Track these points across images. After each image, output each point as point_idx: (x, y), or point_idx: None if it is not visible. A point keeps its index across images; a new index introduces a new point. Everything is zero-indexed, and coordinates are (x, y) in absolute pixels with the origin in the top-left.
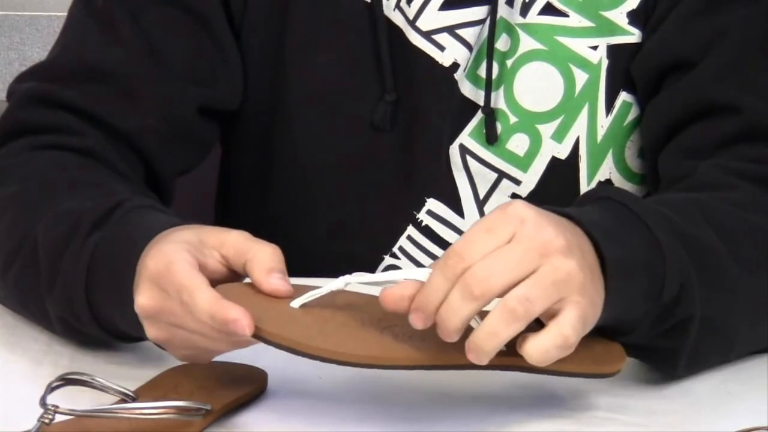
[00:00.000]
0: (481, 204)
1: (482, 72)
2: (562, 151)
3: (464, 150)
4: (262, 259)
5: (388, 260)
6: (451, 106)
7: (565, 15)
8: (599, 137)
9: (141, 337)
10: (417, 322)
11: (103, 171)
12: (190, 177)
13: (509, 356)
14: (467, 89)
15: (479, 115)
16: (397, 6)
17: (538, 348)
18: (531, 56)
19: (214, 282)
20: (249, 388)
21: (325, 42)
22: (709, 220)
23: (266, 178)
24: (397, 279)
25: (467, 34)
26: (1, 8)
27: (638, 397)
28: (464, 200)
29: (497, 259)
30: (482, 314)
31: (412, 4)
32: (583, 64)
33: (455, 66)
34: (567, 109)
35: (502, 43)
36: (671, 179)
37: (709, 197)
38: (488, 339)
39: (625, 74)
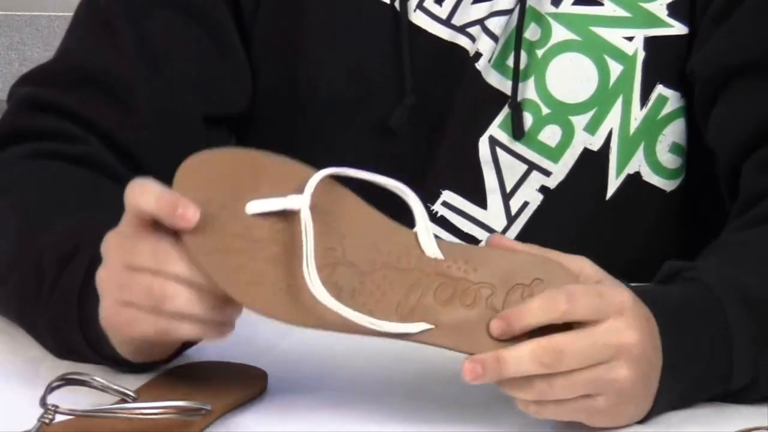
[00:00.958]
0: (507, 197)
1: (511, 62)
2: (595, 143)
3: (494, 142)
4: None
5: None
6: (476, 98)
7: (599, 4)
8: (632, 129)
9: (116, 357)
10: (495, 329)
11: (104, 180)
12: None
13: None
14: (494, 80)
15: (508, 107)
16: (420, 6)
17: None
18: (564, 47)
19: None
20: (249, 388)
21: (343, 43)
22: None
23: None
24: (376, 180)
25: (492, 23)
26: (1, 8)
27: None
28: (489, 192)
29: (579, 343)
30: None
31: (444, 4)
32: (618, 55)
33: (477, 55)
34: (601, 100)
35: (531, 33)
36: (752, 195)
37: None
38: (511, 362)
39: (664, 67)
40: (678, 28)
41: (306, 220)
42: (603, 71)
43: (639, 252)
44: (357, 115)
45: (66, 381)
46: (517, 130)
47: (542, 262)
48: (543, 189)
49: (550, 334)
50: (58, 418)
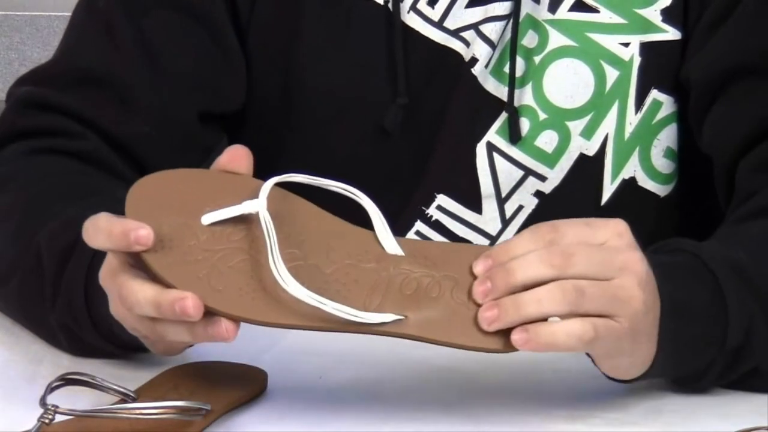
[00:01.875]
0: (502, 201)
1: (507, 69)
2: (591, 148)
3: (491, 147)
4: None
5: None
6: (473, 103)
7: (595, 11)
8: (627, 134)
9: (131, 342)
10: (479, 265)
11: (102, 175)
12: None
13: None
14: (491, 86)
15: (505, 113)
16: (413, 8)
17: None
18: (561, 53)
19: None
20: (249, 388)
21: (337, 44)
22: None
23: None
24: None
25: (488, 29)
26: (1, 8)
27: (638, 397)
28: (485, 197)
29: (585, 248)
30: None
31: (436, 6)
32: (615, 60)
33: (473, 61)
34: (597, 105)
35: (528, 40)
36: (746, 193)
37: None
38: (530, 302)
39: (658, 72)
40: (672, 34)
41: (266, 218)
42: (599, 77)
43: None
44: (351, 116)
45: (66, 381)
46: (513, 135)
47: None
48: (538, 194)
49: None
50: (58, 418)
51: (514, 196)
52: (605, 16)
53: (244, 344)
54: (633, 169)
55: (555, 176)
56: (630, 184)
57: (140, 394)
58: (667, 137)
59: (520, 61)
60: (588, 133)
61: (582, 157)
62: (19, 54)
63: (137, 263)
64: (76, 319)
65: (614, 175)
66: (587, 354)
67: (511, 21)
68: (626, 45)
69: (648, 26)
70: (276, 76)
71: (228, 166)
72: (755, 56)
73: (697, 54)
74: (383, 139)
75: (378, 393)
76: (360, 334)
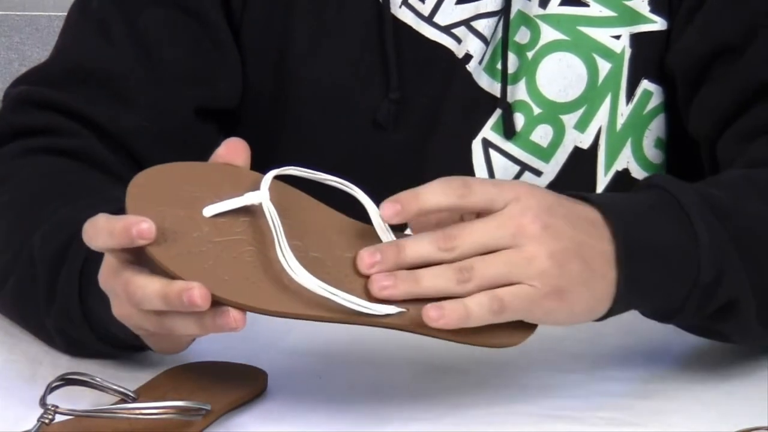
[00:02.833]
0: None
1: (501, 65)
2: (585, 141)
3: (487, 144)
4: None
5: None
6: (468, 100)
7: (585, 5)
8: (619, 125)
9: (130, 341)
10: (386, 209)
11: (96, 174)
12: None
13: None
14: (485, 83)
15: (499, 109)
16: (405, 3)
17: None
18: (553, 47)
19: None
20: (249, 388)
21: (330, 39)
22: (762, 193)
23: None
24: (328, 178)
25: (481, 25)
26: (1, 8)
27: (638, 397)
28: None
29: (472, 226)
30: None
31: (427, 1)
32: (607, 53)
33: (467, 57)
34: (590, 98)
35: (520, 36)
36: (730, 163)
37: (763, 171)
38: (426, 277)
39: (647, 62)
40: (660, 24)
41: (270, 209)
42: (592, 69)
43: None
44: (344, 111)
45: (66, 381)
46: (508, 130)
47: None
48: None
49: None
50: (58, 418)
51: None
52: (595, 9)
53: (244, 344)
54: (626, 160)
55: (550, 170)
56: (624, 175)
57: (140, 394)
58: (657, 127)
59: (513, 57)
60: (581, 126)
61: (576, 151)
62: (19, 54)
63: (138, 260)
64: (73, 323)
65: (608, 167)
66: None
67: (502, 17)
68: (617, 37)
69: (637, 17)
70: (269, 71)
71: (226, 158)
72: (729, 36)
73: (677, 42)
74: (377, 134)
75: (378, 393)
76: (360, 334)
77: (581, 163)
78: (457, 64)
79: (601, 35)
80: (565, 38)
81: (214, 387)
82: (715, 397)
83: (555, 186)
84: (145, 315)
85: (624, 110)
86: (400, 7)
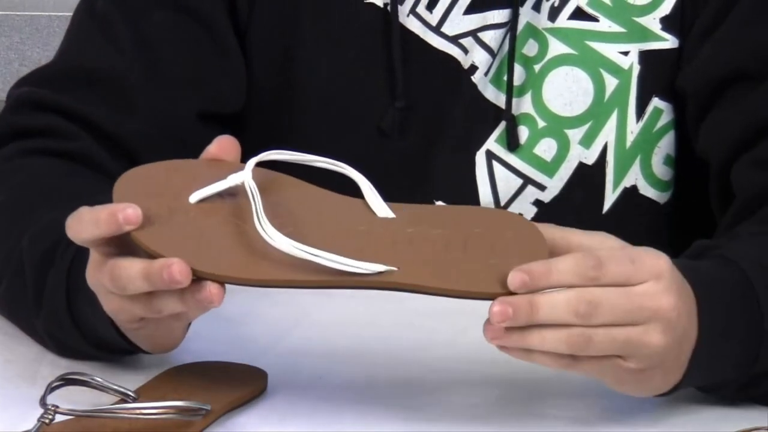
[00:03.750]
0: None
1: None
2: (590, 157)
3: (491, 156)
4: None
5: None
6: (473, 112)
7: (595, 20)
8: (628, 143)
9: (119, 344)
10: (515, 279)
11: (92, 177)
12: None
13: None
14: (491, 94)
15: (504, 121)
16: (413, 12)
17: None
18: (561, 60)
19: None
20: (249, 388)
21: (336, 46)
22: None
23: None
24: (312, 160)
25: (488, 37)
26: (1, 8)
27: (639, 397)
28: (483, 206)
29: (614, 297)
30: None
31: (434, 11)
32: (614, 69)
33: (473, 68)
34: (596, 114)
35: (528, 49)
36: (749, 197)
37: None
38: (534, 335)
39: (658, 80)
40: (672, 42)
41: (250, 184)
42: (599, 85)
43: None
44: (349, 118)
45: (66, 381)
46: (511, 142)
47: (498, 212)
48: (537, 203)
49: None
50: (58, 418)
51: (513, 205)
52: (604, 24)
53: (244, 344)
54: (635, 177)
55: (554, 185)
56: (632, 192)
57: (140, 394)
58: (666, 144)
59: (519, 70)
60: (587, 141)
61: (581, 166)
62: (18, 54)
63: (123, 251)
64: (62, 327)
65: (616, 184)
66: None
67: (509, 29)
68: (625, 54)
69: (647, 35)
70: (275, 76)
71: (216, 156)
72: (747, 61)
73: (691, 62)
74: (381, 142)
75: (378, 393)
76: (360, 334)
77: (587, 178)
78: (462, 75)
79: (609, 51)
80: (573, 52)
81: (214, 387)
82: (715, 397)
83: (561, 200)
84: (132, 301)
85: (634, 128)
86: (408, 15)
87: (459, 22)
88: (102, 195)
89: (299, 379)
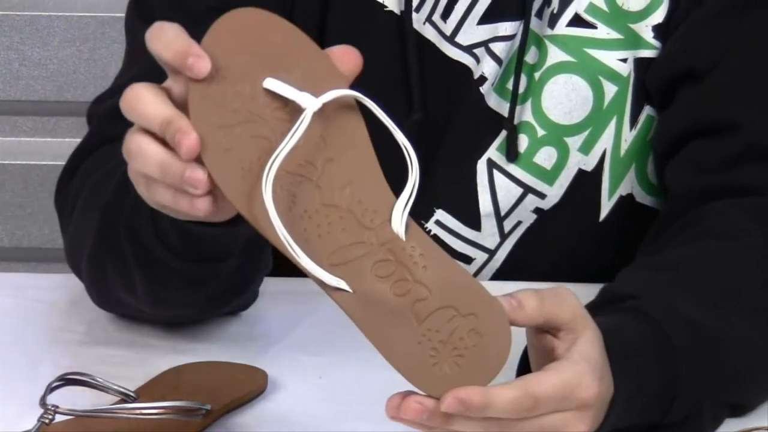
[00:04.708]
0: (501, 219)
1: (510, 85)
2: (589, 163)
3: (491, 164)
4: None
5: None
6: (476, 120)
7: (593, 27)
8: (623, 151)
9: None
10: (451, 406)
11: None
12: None
13: None
14: (494, 102)
15: (505, 130)
16: (429, 20)
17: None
18: (560, 68)
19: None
20: (249, 388)
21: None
22: (736, 308)
23: None
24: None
25: (498, 48)
26: (1, 8)
27: None
28: (484, 216)
29: (555, 391)
30: None
31: (448, 20)
32: (613, 76)
33: (482, 79)
34: (595, 121)
35: (530, 56)
36: (677, 195)
37: (732, 264)
38: (497, 405)
39: (647, 88)
40: (661, 50)
41: (305, 119)
42: (598, 92)
43: None
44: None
45: (66, 381)
46: (510, 152)
47: (488, 300)
48: (537, 210)
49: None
50: (58, 418)
51: (514, 214)
52: (603, 32)
53: (244, 344)
54: (630, 185)
55: (554, 193)
56: (628, 200)
57: (140, 394)
58: None
59: (522, 78)
60: (586, 148)
61: (580, 173)
62: (19, 54)
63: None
64: (139, 213)
65: (611, 192)
66: None
67: (518, 38)
68: (624, 61)
69: (640, 42)
70: None
71: (334, 58)
72: (697, 62)
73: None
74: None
75: (378, 393)
76: (359, 334)
77: (585, 186)
78: (472, 84)
79: (608, 58)
80: (572, 60)
81: (214, 387)
82: None
83: (560, 207)
84: (144, 180)
85: (628, 136)
86: (424, 23)
87: (473, 32)
88: None
89: (299, 379)
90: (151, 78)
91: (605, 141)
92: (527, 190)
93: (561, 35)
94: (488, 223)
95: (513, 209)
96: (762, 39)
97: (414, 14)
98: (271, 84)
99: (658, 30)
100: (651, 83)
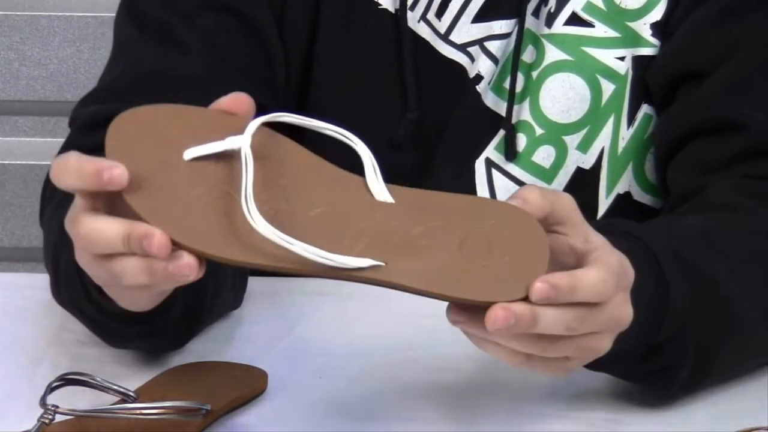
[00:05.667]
0: None
1: (507, 84)
2: (587, 162)
3: (490, 164)
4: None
5: None
6: (474, 119)
7: (590, 25)
8: (620, 149)
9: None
10: (539, 290)
11: None
12: None
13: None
14: (491, 101)
15: (503, 129)
16: (423, 18)
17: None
18: (557, 67)
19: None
20: (249, 388)
21: (351, 54)
22: (722, 254)
23: None
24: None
25: (494, 46)
26: (1, 8)
27: (638, 398)
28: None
29: (599, 311)
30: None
31: (443, 18)
32: (611, 74)
33: (478, 78)
34: (593, 119)
35: (527, 55)
36: (681, 194)
37: (719, 224)
38: (545, 321)
39: (646, 86)
40: (659, 48)
41: (246, 153)
42: (596, 91)
43: None
44: (360, 125)
45: (66, 381)
46: (509, 151)
47: (500, 205)
48: None
49: (578, 304)
50: (58, 418)
51: None
52: (600, 30)
53: (244, 344)
54: (627, 183)
55: None
56: (625, 198)
57: (140, 394)
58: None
59: (519, 76)
60: (584, 146)
61: (579, 171)
62: (18, 54)
63: (105, 207)
64: (71, 284)
65: (609, 190)
66: None
67: (514, 37)
68: (621, 59)
69: (638, 40)
70: (293, 83)
71: (228, 110)
72: (699, 62)
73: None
74: (390, 151)
75: (378, 393)
76: (360, 334)
77: (583, 184)
78: (468, 83)
79: (606, 56)
80: (569, 58)
81: (214, 387)
82: (715, 397)
83: None
84: (95, 260)
85: (625, 134)
86: (419, 21)
87: (467, 31)
88: None
89: (299, 379)
90: (133, 75)
91: (603, 139)
92: None
93: (558, 34)
94: None
95: None
96: (765, 36)
97: (408, 12)
98: (193, 152)
99: (657, 28)
100: (652, 81)
